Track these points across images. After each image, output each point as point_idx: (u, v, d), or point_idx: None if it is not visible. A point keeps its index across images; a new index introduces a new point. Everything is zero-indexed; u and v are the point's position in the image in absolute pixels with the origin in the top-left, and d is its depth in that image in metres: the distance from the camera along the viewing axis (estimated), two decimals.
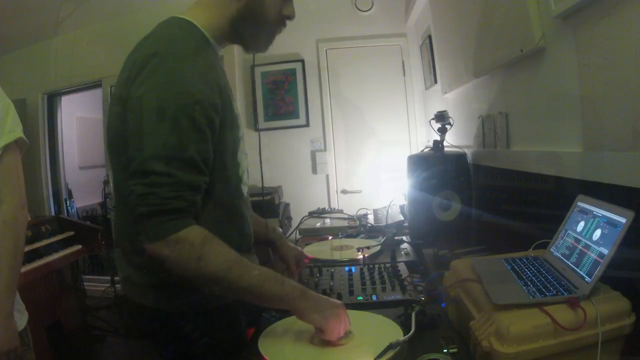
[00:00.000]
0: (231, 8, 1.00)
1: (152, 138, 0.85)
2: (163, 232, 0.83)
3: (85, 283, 3.38)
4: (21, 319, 1.23)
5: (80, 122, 5.14)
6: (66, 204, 4.28)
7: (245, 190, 1.08)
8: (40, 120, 4.11)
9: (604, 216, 0.87)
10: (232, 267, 0.89)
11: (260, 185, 1.78)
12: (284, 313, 1.12)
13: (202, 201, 0.93)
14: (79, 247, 2.79)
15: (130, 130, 0.88)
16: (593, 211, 0.92)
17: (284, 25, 1.08)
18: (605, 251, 0.82)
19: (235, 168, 1.03)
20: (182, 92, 0.86)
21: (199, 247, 0.85)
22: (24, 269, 2.21)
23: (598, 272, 0.81)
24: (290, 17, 1.06)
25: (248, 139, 1.11)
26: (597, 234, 0.87)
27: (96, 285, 3.99)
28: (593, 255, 0.85)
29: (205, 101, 0.88)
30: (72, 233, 2.81)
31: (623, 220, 0.80)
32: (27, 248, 2.37)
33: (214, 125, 0.91)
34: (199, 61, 0.91)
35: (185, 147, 0.85)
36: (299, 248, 1.42)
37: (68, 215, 4.19)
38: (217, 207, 0.99)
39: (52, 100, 4.23)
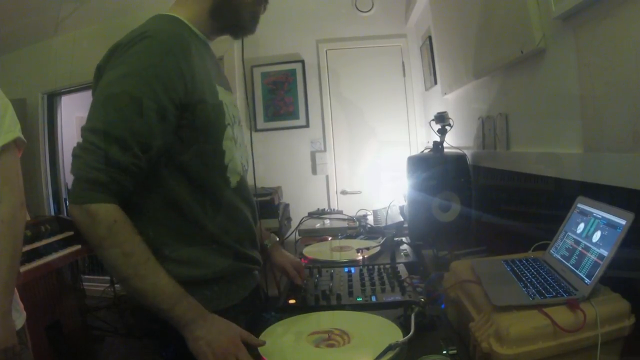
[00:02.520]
0: None
1: (97, 113, 0.88)
2: (78, 199, 0.85)
3: (84, 283, 3.37)
4: (19, 319, 1.23)
5: (80, 122, 5.12)
6: (66, 203, 4.28)
7: (234, 179, 1.05)
8: (40, 120, 4.10)
9: (603, 218, 0.87)
10: (129, 263, 0.86)
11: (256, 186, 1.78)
12: (284, 313, 1.12)
13: (184, 188, 0.95)
14: (79, 247, 2.78)
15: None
16: (593, 213, 0.91)
17: (266, 3, 1.08)
18: (605, 253, 0.81)
19: (219, 156, 1.00)
20: (136, 75, 0.87)
21: (104, 227, 0.85)
22: (23, 269, 2.21)
23: (598, 273, 0.81)
24: None
25: (247, 138, 1.10)
26: (597, 235, 0.86)
27: (96, 285, 3.99)
28: (593, 257, 0.84)
29: (160, 87, 0.88)
30: (71, 233, 2.80)
31: (623, 221, 0.80)
32: (27, 248, 2.36)
33: (168, 112, 0.90)
34: (168, 48, 0.91)
35: (121, 126, 0.86)
36: (294, 256, 1.38)
37: (68, 215, 4.19)
38: (202, 196, 0.98)
39: (52, 100, 4.23)
